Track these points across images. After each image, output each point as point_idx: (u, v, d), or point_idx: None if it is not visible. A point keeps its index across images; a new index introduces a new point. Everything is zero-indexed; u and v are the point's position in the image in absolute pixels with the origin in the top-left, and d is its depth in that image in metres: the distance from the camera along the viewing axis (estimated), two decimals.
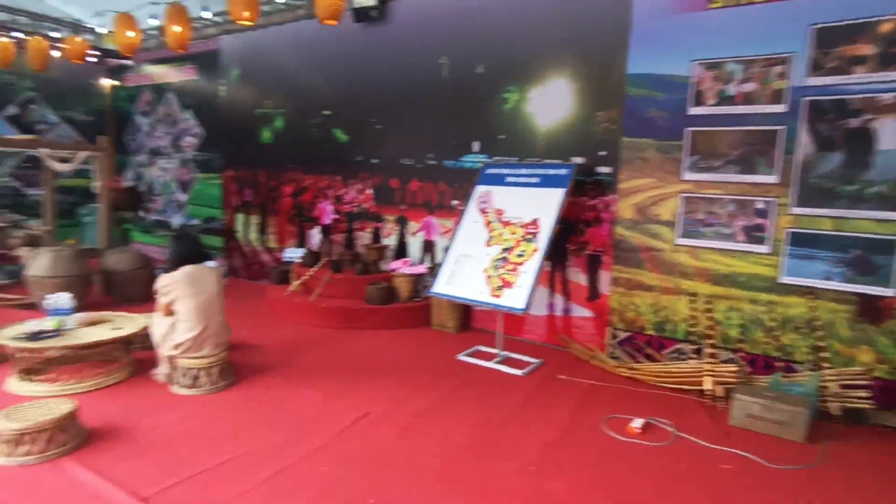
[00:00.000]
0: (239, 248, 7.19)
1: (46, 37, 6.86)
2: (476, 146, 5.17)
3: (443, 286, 4.47)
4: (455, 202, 5.30)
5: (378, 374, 3.90)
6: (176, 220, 7.92)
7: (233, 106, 7.04)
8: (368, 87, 5.83)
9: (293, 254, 6.00)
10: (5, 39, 6.77)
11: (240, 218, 7.16)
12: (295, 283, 5.44)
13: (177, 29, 4.92)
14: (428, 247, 5.55)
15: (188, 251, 3.65)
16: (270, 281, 6.23)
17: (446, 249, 4.85)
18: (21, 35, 7.06)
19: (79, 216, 8.00)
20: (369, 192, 5.94)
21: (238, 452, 2.68)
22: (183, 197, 7.81)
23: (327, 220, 6.29)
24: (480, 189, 4.73)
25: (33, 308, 4.92)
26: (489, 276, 4.23)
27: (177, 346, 3.39)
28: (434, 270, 5.28)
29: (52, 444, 2.52)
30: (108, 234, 5.85)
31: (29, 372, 3.36)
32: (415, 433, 3.02)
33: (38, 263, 4.85)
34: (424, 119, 5.48)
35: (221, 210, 7.33)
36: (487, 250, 4.36)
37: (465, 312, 5.17)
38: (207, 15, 5.93)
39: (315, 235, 6.41)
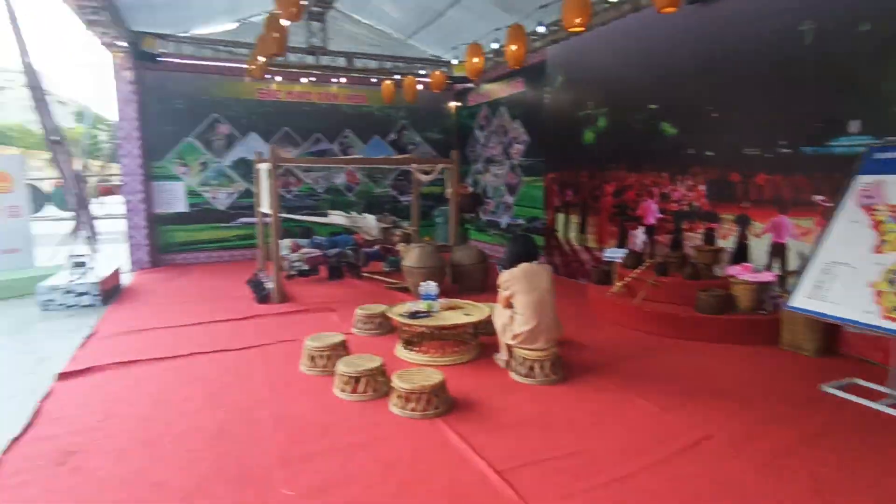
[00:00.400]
0: (559, 247, 7.55)
1: (416, 74, 8.59)
2: (854, 126, 4.09)
3: (804, 300, 3.68)
4: (818, 197, 4.33)
5: (717, 394, 3.49)
6: (504, 221, 8.85)
7: (556, 111, 7.41)
8: (702, 73, 5.28)
9: (614, 254, 5.94)
10: (389, 81, 8.76)
11: (560, 217, 7.50)
12: (617, 285, 5.37)
13: (514, 48, 5.43)
14: (777, 251, 4.69)
15: (524, 250, 3.98)
16: (589, 280, 6.31)
17: (805, 255, 4.00)
18: (398, 76, 9.01)
19: (433, 217, 9.76)
20: (701, 188, 5.39)
21: (575, 449, 2.77)
22: (510, 199, 8.66)
23: (651, 220, 5.99)
24: (864, 179, 3.71)
25: (406, 291, 6.22)
26: (880, 293, 3.28)
27: (514, 337, 3.74)
28: (786, 279, 4.43)
29: (430, 406, 3.11)
30: (455, 233, 6.93)
31: (408, 342, 4.23)
32: (777, 472, 2.56)
33: (409, 256, 6.10)
34: (776, 100, 4.64)
35: (543, 210, 7.83)
36: (876, 259, 3.39)
37: (831, 333, 4.17)
38: (541, 29, 6.36)
39: (638, 235, 6.19)
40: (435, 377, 3.22)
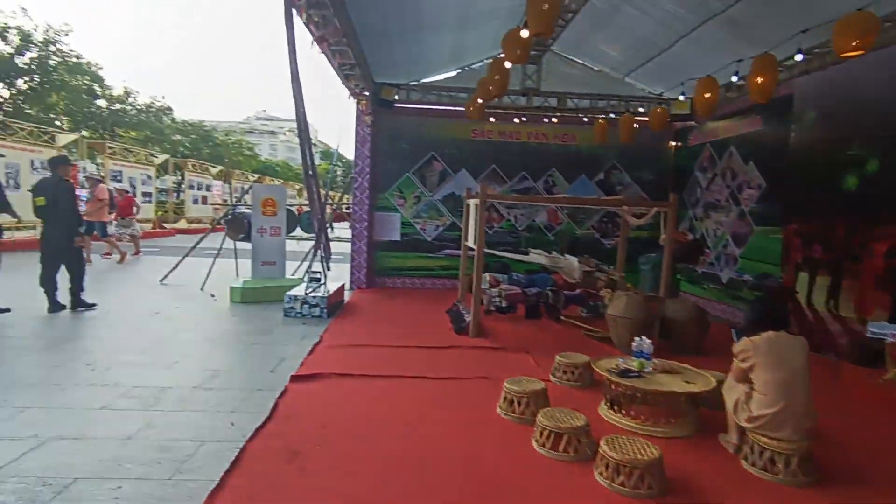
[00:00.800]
0: (799, 312, 6.28)
1: (633, 112, 8.19)
2: None
3: None
4: None
5: None
6: (726, 274, 7.76)
7: (805, 152, 6.28)
8: None
9: (884, 329, 4.69)
10: (602, 120, 8.50)
11: (802, 277, 6.26)
12: (893, 371, 4.18)
13: (761, 80, 4.76)
14: None
15: (770, 315, 3.32)
16: (842, 357, 5.08)
17: None
18: (613, 115, 8.70)
19: (637, 264, 9.06)
20: None
21: None
22: (735, 250, 7.57)
23: None
24: None
25: (608, 342, 5.78)
26: None
27: (750, 420, 3.11)
28: None
29: (643, 484, 2.71)
30: (667, 283, 6.26)
31: (613, 403, 3.84)
32: None
33: (615, 304, 5.66)
34: None
35: (780, 266, 6.63)
36: None
37: None
38: (798, 58, 5.50)
39: None
40: (650, 451, 2.81)
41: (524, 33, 4.28)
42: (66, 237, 6.38)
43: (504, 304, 6.54)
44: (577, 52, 8.63)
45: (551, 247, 8.81)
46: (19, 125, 15.72)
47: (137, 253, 12.64)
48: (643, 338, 3.87)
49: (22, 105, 25.16)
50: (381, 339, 5.69)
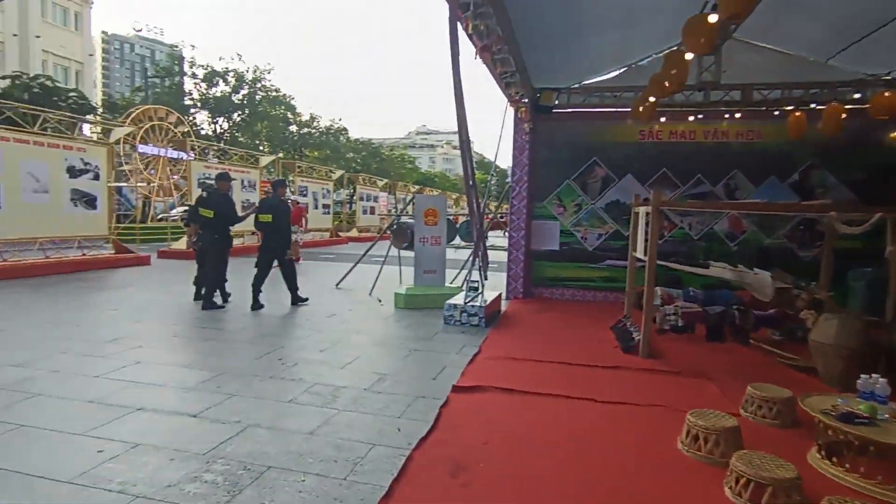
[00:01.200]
0: None
1: (843, 101, 6.86)
2: None
3: None
4: None
5: None
6: None
7: None
8: None
9: None
10: (799, 112, 7.27)
11: None
12: None
13: None
14: None
15: None
16: None
17: None
18: (814, 105, 7.39)
19: (844, 281, 7.54)
20: None
21: None
22: None
23: None
24: None
25: (812, 373, 4.85)
26: None
27: None
28: None
29: None
30: (895, 306, 5.06)
31: (830, 450, 3.15)
32: None
33: (823, 328, 4.72)
34: None
35: None
36: None
37: None
38: None
39: None
40: None
41: (712, 18, 3.78)
42: (283, 247, 7.54)
43: (681, 324, 5.86)
44: (763, 37, 7.51)
45: (733, 258, 7.77)
46: (234, 151, 18.83)
47: (298, 260, 14.21)
48: (875, 376, 3.11)
49: (235, 134, 30.24)
50: (540, 354, 5.49)
